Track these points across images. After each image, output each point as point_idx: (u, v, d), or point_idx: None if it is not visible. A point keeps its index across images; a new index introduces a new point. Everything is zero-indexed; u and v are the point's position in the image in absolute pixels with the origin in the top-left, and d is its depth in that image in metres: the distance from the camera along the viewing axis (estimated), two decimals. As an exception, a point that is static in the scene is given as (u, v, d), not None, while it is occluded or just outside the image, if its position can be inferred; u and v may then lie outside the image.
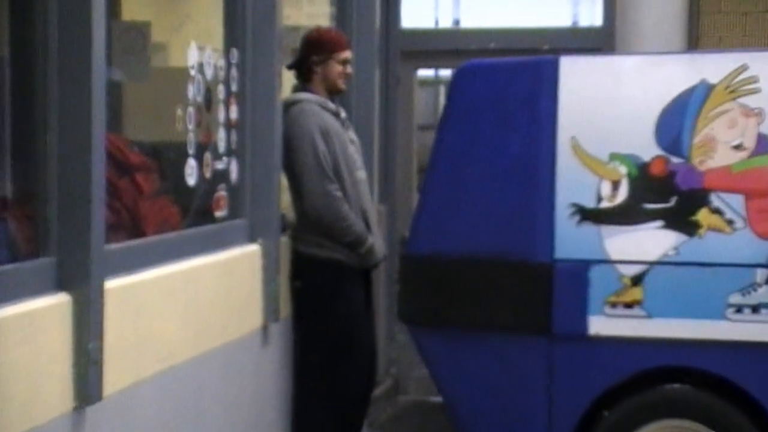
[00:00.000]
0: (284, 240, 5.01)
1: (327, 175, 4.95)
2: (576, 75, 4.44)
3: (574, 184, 4.40)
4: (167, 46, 4.84)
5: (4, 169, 3.35)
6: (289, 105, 5.06)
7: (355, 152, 5.19)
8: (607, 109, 4.41)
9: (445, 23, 8.21)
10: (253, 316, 4.68)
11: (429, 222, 4.61)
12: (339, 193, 4.96)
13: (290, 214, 5.21)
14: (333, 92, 5.20)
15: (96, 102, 3.24)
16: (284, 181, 5.07)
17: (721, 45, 7.32)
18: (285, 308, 4.96)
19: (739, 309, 4.27)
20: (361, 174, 5.20)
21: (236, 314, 4.48)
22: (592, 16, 7.89)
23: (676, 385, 4.40)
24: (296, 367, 5.09)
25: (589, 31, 7.74)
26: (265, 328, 4.78)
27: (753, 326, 4.25)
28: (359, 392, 5.15)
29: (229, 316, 4.41)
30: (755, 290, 4.26)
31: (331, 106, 5.16)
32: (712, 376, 4.33)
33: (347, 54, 5.21)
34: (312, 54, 5.19)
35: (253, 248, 4.72)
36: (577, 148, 4.41)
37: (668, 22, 7.00)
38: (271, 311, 4.78)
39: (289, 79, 5.23)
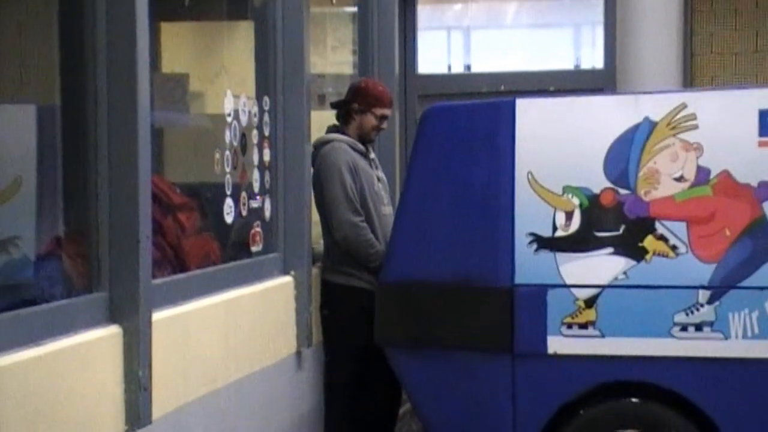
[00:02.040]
0: (315, 271, 5.00)
1: (354, 207, 4.96)
2: (531, 115, 4.49)
3: (531, 214, 4.43)
4: (205, 94, 4.86)
5: (58, 211, 3.37)
6: (321, 144, 5.09)
7: (382, 189, 5.20)
8: (561, 145, 4.44)
9: (458, 68, 8.26)
10: (288, 343, 4.67)
11: (401, 251, 4.64)
12: (364, 224, 4.97)
13: (320, 246, 5.20)
14: (364, 140, 5.21)
15: (142, 147, 3.24)
16: (315, 216, 5.07)
17: (713, 83, 7.31)
18: (317, 334, 4.96)
19: (683, 327, 4.30)
20: (387, 209, 5.20)
21: (272, 341, 4.48)
22: (594, 59, 7.91)
23: (630, 399, 4.43)
24: (326, 389, 5.08)
25: (592, 73, 7.78)
26: (298, 354, 4.78)
27: (697, 342, 4.29)
28: (386, 411, 5.13)
29: (266, 342, 4.40)
30: (698, 310, 4.29)
31: (360, 147, 5.17)
32: (661, 389, 4.36)
33: (387, 111, 5.23)
34: (355, 101, 5.20)
35: (287, 280, 4.72)
36: (533, 181, 4.44)
37: (665, 63, 7.02)
38: (304, 338, 4.77)
39: (316, 121, 5.23)
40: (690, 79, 7.36)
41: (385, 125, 5.25)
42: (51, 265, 3.25)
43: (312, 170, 4.99)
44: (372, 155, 5.28)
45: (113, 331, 3.18)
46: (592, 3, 7.89)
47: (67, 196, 3.34)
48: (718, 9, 7.38)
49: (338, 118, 5.25)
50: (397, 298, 4.64)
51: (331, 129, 5.24)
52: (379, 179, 5.22)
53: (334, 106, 5.27)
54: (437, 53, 8.22)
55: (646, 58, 6.99)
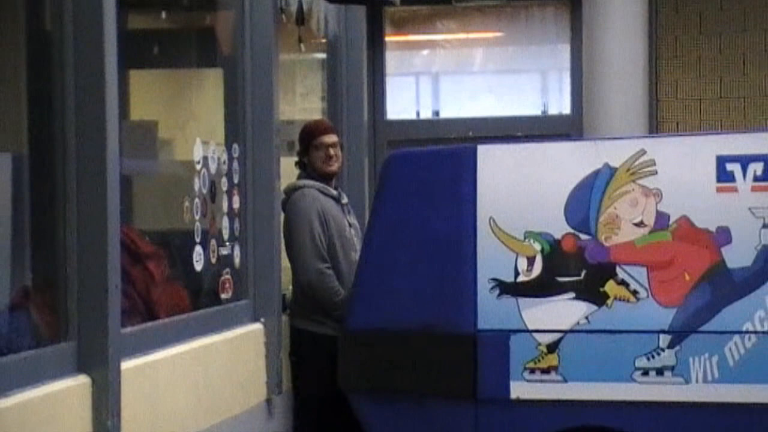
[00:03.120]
0: (285, 318, 5.00)
1: (321, 254, 4.96)
2: (493, 161, 4.51)
3: (493, 259, 4.44)
4: (174, 142, 4.84)
5: (25, 261, 3.35)
6: (292, 190, 5.11)
7: (354, 235, 5.19)
8: (522, 191, 4.46)
9: (426, 114, 8.28)
10: (258, 390, 4.66)
11: (364, 298, 4.63)
12: (330, 271, 4.97)
13: (290, 293, 5.20)
14: (324, 176, 5.18)
15: (111, 196, 3.26)
16: (285, 262, 5.08)
17: (679, 129, 7.40)
18: (287, 381, 4.95)
19: (645, 372, 4.32)
20: (358, 254, 5.15)
21: (243, 388, 4.46)
22: (561, 105, 7.97)
23: None
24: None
25: (559, 119, 7.81)
26: (269, 401, 4.77)
27: (658, 387, 4.30)
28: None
29: (237, 390, 4.39)
30: (659, 354, 4.31)
31: (332, 191, 5.18)
32: None
33: (325, 138, 5.19)
34: (299, 150, 5.25)
35: (257, 327, 4.72)
36: (495, 227, 4.46)
37: (631, 109, 7.08)
38: (274, 385, 4.77)
39: (285, 168, 5.25)
40: (656, 125, 7.43)
41: (334, 152, 5.17)
42: (19, 316, 3.24)
43: (282, 216, 5.00)
44: (344, 200, 5.29)
45: (82, 381, 3.17)
46: (559, 49, 7.95)
47: (34, 246, 3.34)
48: (682, 56, 7.49)
49: (300, 169, 5.25)
50: (360, 345, 4.63)
51: (302, 171, 5.25)
52: (350, 225, 5.22)
53: (296, 163, 5.29)
54: (406, 99, 8.22)
55: (612, 103, 7.05)
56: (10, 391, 2.88)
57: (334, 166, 5.21)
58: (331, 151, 5.18)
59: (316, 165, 5.16)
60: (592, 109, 7.13)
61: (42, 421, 2.93)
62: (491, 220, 4.47)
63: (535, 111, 8.01)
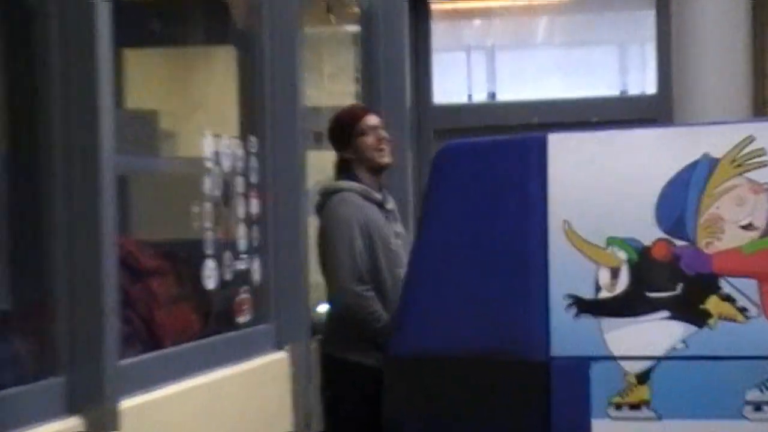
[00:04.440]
0: (314, 345, 5.03)
1: (360, 274, 5.00)
2: (566, 153, 4.51)
3: (569, 272, 4.43)
4: (179, 135, 4.89)
5: (4, 279, 3.36)
6: (330, 193, 5.13)
7: (400, 247, 5.23)
8: (602, 188, 4.46)
9: (481, 97, 8.31)
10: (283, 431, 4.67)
11: (412, 319, 4.66)
12: (371, 293, 5.01)
13: (319, 314, 5.25)
14: (377, 170, 5.21)
15: (105, 201, 3.26)
16: (315, 277, 5.13)
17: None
18: (317, 421, 4.98)
19: (758, 407, 4.27)
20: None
21: (265, 430, 4.49)
22: (644, 83, 7.96)
23: None
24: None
25: (642, 100, 7.83)
26: (296, 445, 4.79)
27: None
28: None
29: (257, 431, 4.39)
30: None
31: (376, 196, 5.19)
32: None
33: (370, 120, 5.22)
34: (338, 146, 5.25)
35: (281, 356, 4.74)
36: (570, 232, 4.45)
37: (731, 87, 7.05)
38: (302, 425, 4.79)
39: (314, 164, 5.33)
40: (762, 105, 7.39)
41: (383, 134, 5.21)
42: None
43: (319, 222, 5.07)
44: (390, 205, 5.32)
45: (73, 423, 3.16)
46: (641, 17, 7.96)
47: (16, 263, 3.35)
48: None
49: (340, 172, 5.27)
50: (408, 375, 4.66)
51: (341, 170, 5.26)
52: (397, 235, 5.26)
53: (335, 165, 5.32)
54: (456, 79, 8.29)
55: (707, 81, 7.04)
56: (-12, 437, 2.89)
57: (388, 156, 5.23)
58: (382, 133, 5.20)
59: (366, 156, 5.17)
60: (682, 87, 7.14)
61: (26, 472, 2.93)
62: (566, 225, 4.47)
63: (612, 91, 8.05)
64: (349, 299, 4.98)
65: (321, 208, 5.09)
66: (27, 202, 3.34)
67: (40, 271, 3.28)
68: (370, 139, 5.18)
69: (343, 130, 5.22)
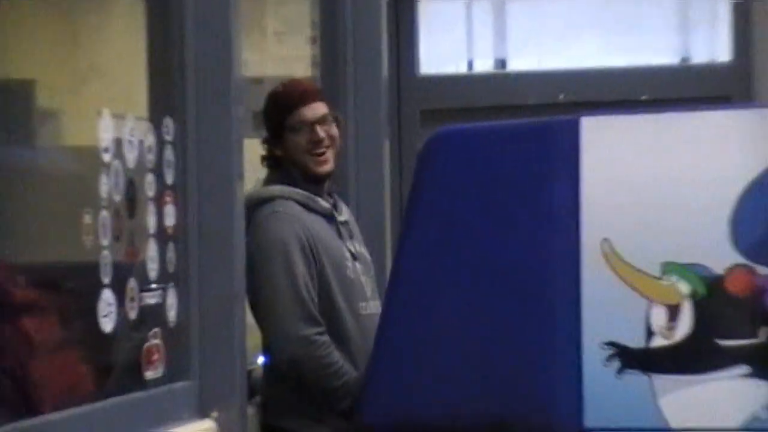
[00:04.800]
0: (252, 410, 5.06)
1: (308, 313, 5.05)
2: (607, 144, 4.57)
3: (609, 310, 4.48)
4: (63, 114, 4.81)
5: None
6: (256, 203, 5.18)
7: (361, 273, 5.28)
8: (656, 195, 4.51)
9: (485, 65, 8.30)
10: None
11: (390, 377, 4.69)
12: (325, 338, 5.06)
13: (258, 369, 5.31)
14: (315, 180, 5.29)
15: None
16: (250, 317, 5.14)
17: None
18: None
19: None
20: (371, 306, 5.28)
21: None
22: (713, 50, 7.98)
23: None
24: None
25: (711, 71, 7.82)
26: None
27: None
28: None
29: None
30: None
31: (322, 204, 5.26)
32: None
33: (305, 113, 5.31)
34: (268, 132, 5.38)
35: (206, 425, 4.72)
36: (611, 255, 4.49)
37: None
38: None
39: (253, 158, 5.37)
40: None
41: (325, 133, 5.28)
42: None
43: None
44: (344, 216, 5.37)
45: None
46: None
47: None
48: None
49: (271, 167, 5.40)
50: None
51: (273, 168, 5.37)
52: (355, 256, 5.30)
53: (263, 159, 5.43)
54: (451, 42, 8.28)
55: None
56: None
57: (328, 163, 5.30)
58: (320, 133, 5.27)
59: (299, 162, 5.27)
60: (766, 55, 7.14)
61: None
62: (605, 244, 4.50)
63: (669, 59, 8.03)
64: (296, 348, 5.04)
65: (247, 223, 5.07)
66: None
67: None
68: (302, 140, 5.27)
69: (270, 118, 5.37)
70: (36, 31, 4.85)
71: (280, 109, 5.31)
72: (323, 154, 5.29)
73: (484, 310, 4.61)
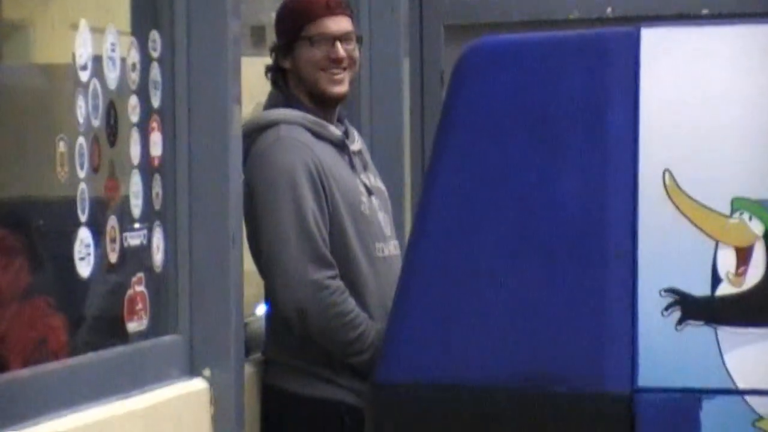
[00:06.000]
0: (250, 369, 5.09)
1: (319, 254, 5.05)
2: (671, 60, 4.55)
3: (669, 253, 4.48)
4: (31, 26, 4.78)
5: None
6: (257, 129, 5.19)
7: (378, 209, 5.29)
8: (727, 119, 4.50)
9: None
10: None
11: (415, 331, 4.70)
12: (338, 282, 5.07)
13: (259, 321, 5.35)
14: (324, 102, 5.29)
15: None
16: (251, 263, 5.17)
17: None
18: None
19: None
20: (389, 248, 5.29)
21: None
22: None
23: None
24: None
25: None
26: None
27: None
28: None
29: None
30: None
31: (333, 130, 5.26)
32: None
33: (329, 23, 5.27)
34: (277, 42, 5.34)
35: (197, 386, 4.76)
36: (674, 189, 4.49)
37: None
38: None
39: (251, 78, 5.36)
40: None
41: (342, 52, 5.25)
42: None
43: (244, 176, 5.08)
44: (356, 145, 5.38)
45: None
46: None
47: None
48: None
49: (275, 85, 5.38)
50: (407, 413, 4.71)
51: (273, 101, 5.34)
52: (370, 191, 5.31)
53: (267, 70, 5.42)
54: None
55: None
56: None
57: (342, 84, 5.31)
58: (341, 51, 5.26)
59: (309, 79, 5.26)
60: None
61: None
62: (667, 176, 4.48)
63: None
64: (304, 294, 5.02)
65: (246, 154, 5.11)
66: None
67: None
68: (318, 54, 5.24)
69: (284, 29, 5.33)
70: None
71: (300, 14, 5.28)
72: (339, 74, 5.28)
73: (526, 252, 4.62)
